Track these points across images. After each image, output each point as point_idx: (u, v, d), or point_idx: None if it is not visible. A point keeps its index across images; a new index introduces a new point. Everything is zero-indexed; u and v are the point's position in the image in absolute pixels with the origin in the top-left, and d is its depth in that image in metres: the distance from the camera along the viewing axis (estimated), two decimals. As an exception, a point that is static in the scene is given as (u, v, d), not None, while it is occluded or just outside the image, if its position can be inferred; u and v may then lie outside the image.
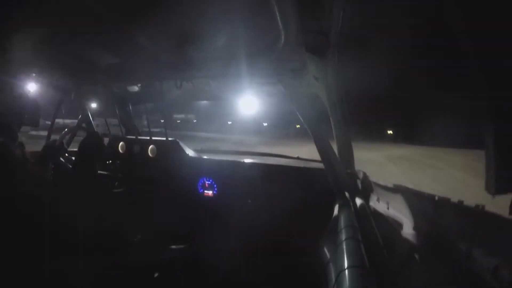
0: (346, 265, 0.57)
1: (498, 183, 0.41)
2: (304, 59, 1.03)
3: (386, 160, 10.72)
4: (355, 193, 1.17)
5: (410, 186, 0.88)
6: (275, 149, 2.50)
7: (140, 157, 1.87)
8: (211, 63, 1.21)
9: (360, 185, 1.28)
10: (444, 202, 0.69)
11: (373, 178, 1.29)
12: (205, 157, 1.88)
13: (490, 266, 0.47)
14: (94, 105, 2.03)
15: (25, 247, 0.88)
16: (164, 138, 1.88)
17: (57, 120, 1.91)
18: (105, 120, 2.11)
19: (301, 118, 1.20)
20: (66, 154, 1.48)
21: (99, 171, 1.59)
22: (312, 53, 0.99)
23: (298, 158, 2.05)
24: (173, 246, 1.72)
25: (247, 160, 1.85)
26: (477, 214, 0.56)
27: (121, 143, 1.94)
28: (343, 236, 0.73)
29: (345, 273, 0.55)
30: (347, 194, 1.15)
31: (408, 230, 0.83)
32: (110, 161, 1.93)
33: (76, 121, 2.00)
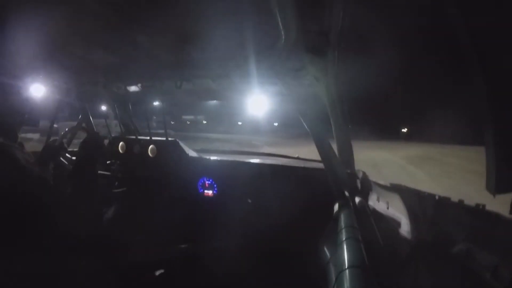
0: (346, 265, 0.57)
1: (498, 182, 0.41)
2: (304, 59, 1.03)
3: (405, 161, 9.22)
4: (355, 193, 1.16)
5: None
6: (284, 150, 2.47)
7: (140, 157, 1.87)
8: (211, 63, 1.21)
9: (360, 185, 1.28)
10: (444, 202, 0.69)
11: (373, 178, 1.29)
12: (205, 157, 1.88)
13: (490, 266, 0.47)
14: (94, 105, 2.03)
15: (25, 247, 0.88)
16: (164, 138, 1.88)
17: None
18: (105, 120, 2.11)
19: (301, 118, 1.20)
20: (66, 154, 1.48)
21: (99, 171, 1.59)
22: (312, 53, 0.99)
23: (298, 158, 2.05)
24: (173, 246, 1.72)
25: (247, 160, 1.85)
26: (477, 214, 0.56)
27: (121, 143, 1.94)
28: (343, 236, 0.73)
29: (345, 273, 0.55)
30: (347, 194, 1.15)
31: (408, 230, 0.83)
32: (110, 161, 1.93)
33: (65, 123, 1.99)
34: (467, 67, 0.42)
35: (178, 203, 1.76)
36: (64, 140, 1.50)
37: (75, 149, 1.36)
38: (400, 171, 7.03)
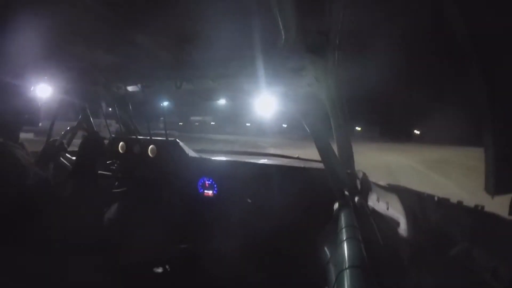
0: (346, 265, 0.57)
1: (498, 183, 0.41)
2: (304, 59, 1.03)
3: (424, 166, 7.77)
4: (355, 193, 1.17)
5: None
6: (289, 151, 2.43)
7: (140, 157, 1.87)
8: (211, 63, 1.21)
9: (360, 185, 1.28)
10: (444, 202, 0.69)
11: (373, 178, 1.29)
12: (205, 157, 1.88)
13: (490, 266, 0.47)
14: (94, 105, 2.02)
15: (25, 247, 0.88)
16: (164, 138, 1.88)
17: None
18: (105, 120, 2.11)
19: (301, 118, 1.21)
20: (66, 154, 1.48)
21: (99, 171, 1.59)
22: (312, 53, 0.99)
23: (298, 158, 2.05)
24: (173, 246, 1.73)
25: (247, 160, 1.85)
26: (477, 214, 0.56)
27: (121, 143, 1.94)
28: (343, 236, 0.73)
29: (345, 273, 0.55)
30: (347, 194, 1.15)
31: (408, 230, 0.83)
32: (110, 161, 1.93)
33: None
34: (467, 67, 0.42)
35: (178, 203, 1.76)
36: (64, 141, 1.50)
37: (75, 149, 1.36)
38: (422, 180, 5.97)
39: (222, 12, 0.83)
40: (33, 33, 0.96)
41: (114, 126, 2.22)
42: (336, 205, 1.10)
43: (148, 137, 1.90)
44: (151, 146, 1.84)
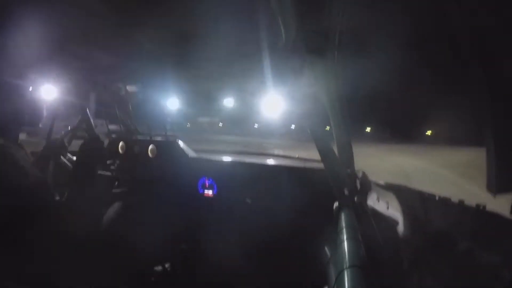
0: (346, 265, 0.57)
1: (499, 182, 0.41)
2: (304, 59, 1.03)
3: (456, 174, 6.47)
4: (355, 193, 1.17)
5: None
6: (295, 153, 2.41)
7: (140, 157, 1.87)
8: (211, 63, 1.21)
9: (359, 185, 1.28)
10: (444, 202, 0.69)
11: (373, 178, 1.29)
12: (205, 157, 1.88)
13: (490, 266, 0.47)
14: (94, 105, 2.02)
15: (25, 247, 0.88)
16: (164, 139, 1.88)
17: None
18: (105, 121, 2.11)
19: (301, 118, 1.20)
20: (68, 154, 1.48)
21: (99, 171, 1.59)
22: (312, 53, 0.99)
23: (298, 158, 2.05)
24: (173, 246, 1.72)
25: (247, 160, 1.85)
26: (478, 214, 0.56)
27: (121, 143, 1.94)
28: (343, 236, 0.73)
29: (345, 273, 0.55)
30: (347, 194, 1.15)
31: (408, 230, 0.83)
32: (110, 161, 1.93)
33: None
34: (468, 67, 0.42)
35: (178, 203, 1.76)
36: (65, 140, 1.50)
37: (75, 150, 1.36)
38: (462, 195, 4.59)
39: (222, 13, 0.83)
40: (34, 33, 0.96)
41: (108, 126, 2.21)
42: (336, 205, 1.10)
43: (148, 137, 1.90)
44: (151, 146, 1.84)
